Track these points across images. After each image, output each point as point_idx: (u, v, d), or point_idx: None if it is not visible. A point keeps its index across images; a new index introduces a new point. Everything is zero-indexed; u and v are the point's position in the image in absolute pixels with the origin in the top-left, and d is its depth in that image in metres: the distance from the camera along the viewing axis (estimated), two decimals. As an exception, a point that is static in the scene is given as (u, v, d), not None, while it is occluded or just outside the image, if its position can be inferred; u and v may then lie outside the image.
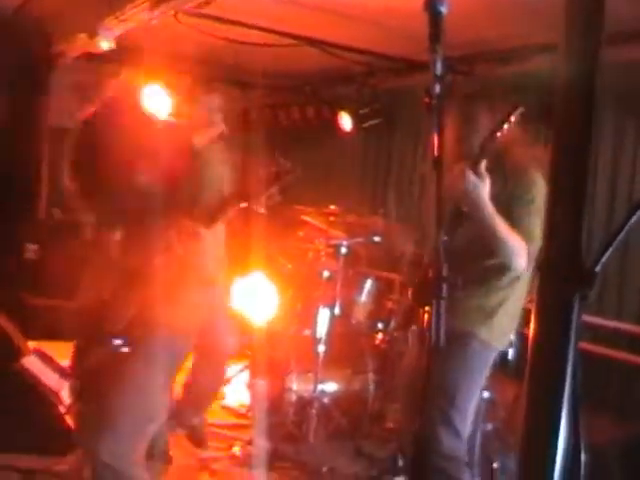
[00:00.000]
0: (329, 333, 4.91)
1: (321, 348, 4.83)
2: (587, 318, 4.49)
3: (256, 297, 4.58)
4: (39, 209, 7.28)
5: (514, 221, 2.84)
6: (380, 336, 5.07)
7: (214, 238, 3.77)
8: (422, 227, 3.20)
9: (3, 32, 6.44)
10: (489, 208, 2.79)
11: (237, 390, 5.47)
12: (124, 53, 5.42)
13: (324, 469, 4.32)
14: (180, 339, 2.84)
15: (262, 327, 4.70)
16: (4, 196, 6.70)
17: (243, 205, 2.59)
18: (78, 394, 2.94)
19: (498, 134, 2.73)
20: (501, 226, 2.81)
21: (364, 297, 5.28)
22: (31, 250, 6.86)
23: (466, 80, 5.57)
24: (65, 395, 3.96)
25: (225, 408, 5.24)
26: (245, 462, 4.34)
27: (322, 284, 5.13)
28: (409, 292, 3.01)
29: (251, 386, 5.14)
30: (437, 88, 1.85)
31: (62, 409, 4.06)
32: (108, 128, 2.63)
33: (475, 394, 3.13)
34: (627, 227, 1.30)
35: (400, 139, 6.92)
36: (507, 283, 3.02)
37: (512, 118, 2.73)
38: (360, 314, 5.26)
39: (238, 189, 2.53)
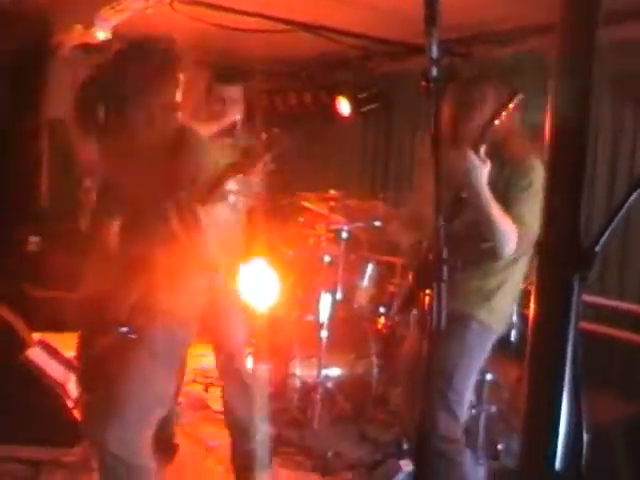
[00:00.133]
0: (331, 318, 4.93)
1: (324, 333, 4.84)
2: (589, 298, 4.50)
3: (258, 284, 4.59)
4: (40, 201, 7.28)
5: (507, 206, 2.85)
6: (382, 320, 5.08)
7: (216, 223, 3.74)
8: (421, 211, 3.20)
9: (1, 23, 6.42)
10: (486, 193, 2.79)
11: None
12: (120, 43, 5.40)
13: (328, 454, 4.34)
14: (182, 326, 2.85)
15: (264, 313, 4.71)
16: (4, 189, 6.69)
17: (239, 176, 2.58)
18: (84, 385, 2.96)
19: (497, 120, 2.73)
20: (495, 212, 2.82)
21: (366, 281, 5.28)
22: (33, 242, 6.86)
23: (464, 62, 5.56)
24: (71, 387, 3.98)
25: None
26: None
27: (323, 269, 5.14)
28: (410, 276, 3.01)
29: (254, 372, 5.15)
30: (434, 71, 1.85)
31: (68, 401, 4.08)
32: (120, 71, 2.68)
33: (473, 377, 3.13)
34: (627, 204, 1.29)
35: (399, 123, 6.91)
36: (504, 266, 3.02)
37: (511, 104, 2.73)
38: (362, 299, 5.27)
39: (232, 161, 2.52)
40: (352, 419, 4.86)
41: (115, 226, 2.96)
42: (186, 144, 2.71)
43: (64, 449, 3.92)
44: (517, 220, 2.86)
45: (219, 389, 5.29)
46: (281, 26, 5.62)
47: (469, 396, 3.19)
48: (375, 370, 4.98)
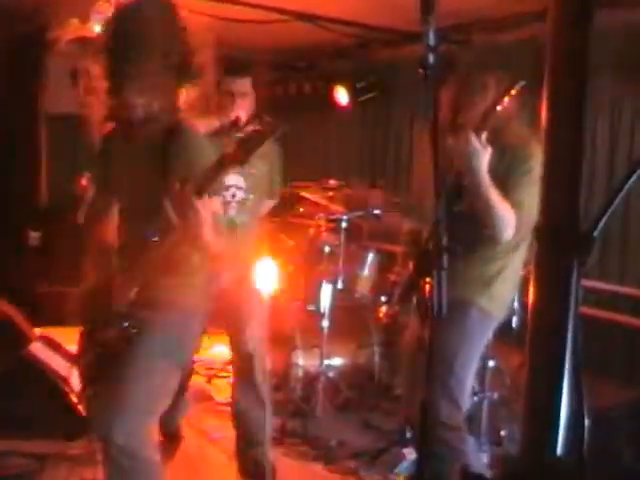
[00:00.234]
0: (333, 308, 4.93)
1: (325, 323, 4.85)
2: (589, 282, 4.50)
3: (259, 275, 4.59)
4: (40, 196, 7.27)
5: (507, 191, 2.85)
6: (384, 309, 5.08)
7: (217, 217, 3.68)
8: (421, 199, 3.19)
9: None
10: (486, 179, 2.79)
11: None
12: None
13: (332, 443, 4.35)
14: (184, 318, 2.85)
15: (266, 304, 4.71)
16: (4, 184, 6.69)
17: (235, 167, 2.55)
18: (87, 379, 2.96)
19: (499, 107, 2.73)
20: (494, 197, 2.82)
21: (366, 270, 5.29)
22: (33, 237, 6.86)
23: (463, 49, 5.54)
24: (74, 381, 3.99)
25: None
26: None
27: (324, 259, 5.14)
28: (410, 264, 3.01)
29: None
30: (431, 59, 1.85)
31: (72, 394, 4.09)
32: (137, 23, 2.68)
33: (474, 364, 3.14)
34: (625, 188, 1.29)
35: (397, 111, 6.89)
36: (504, 252, 3.03)
37: (512, 91, 2.72)
38: (363, 288, 5.27)
39: (227, 152, 2.50)
40: (355, 408, 4.87)
41: (113, 219, 2.96)
42: (179, 142, 2.71)
43: (68, 442, 3.93)
44: (516, 205, 2.86)
45: (222, 381, 5.33)
46: (278, 16, 5.60)
47: (471, 383, 3.19)
48: (377, 359, 4.99)
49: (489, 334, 3.22)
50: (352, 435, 4.54)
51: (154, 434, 2.78)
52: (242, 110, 3.80)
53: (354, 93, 6.84)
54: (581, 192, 1.28)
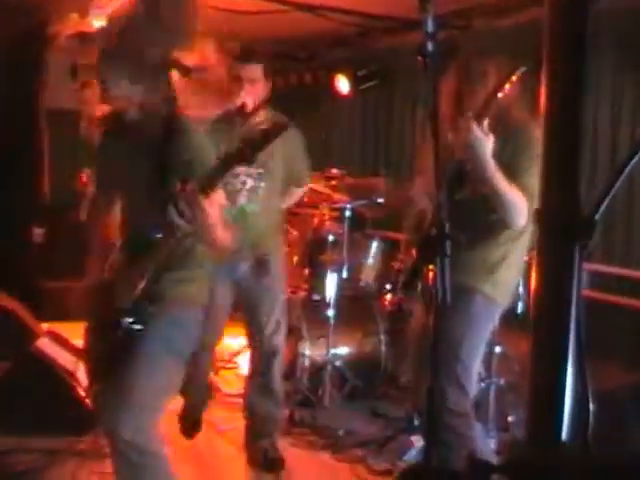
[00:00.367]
0: (338, 297, 4.93)
1: (331, 312, 4.85)
2: (594, 265, 4.48)
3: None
4: (43, 193, 7.28)
5: (513, 177, 2.83)
6: (389, 297, 5.09)
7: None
8: (422, 187, 3.19)
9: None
10: (491, 165, 2.78)
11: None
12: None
13: (340, 432, 4.36)
14: (189, 313, 2.86)
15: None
16: (7, 181, 6.70)
17: (242, 165, 2.53)
18: (94, 373, 2.97)
19: (500, 93, 2.72)
20: (502, 183, 2.80)
21: (371, 259, 5.28)
22: (38, 234, 6.88)
23: (463, 36, 5.53)
24: (81, 375, 4.00)
25: (241, 377, 5.27)
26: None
27: (328, 248, 5.14)
28: (413, 251, 3.01)
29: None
30: (430, 46, 1.84)
31: (79, 389, 4.11)
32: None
33: (480, 350, 3.13)
34: (627, 170, 1.29)
35: (399, 99, 6.88)
36: (507, 238, 3.02)
37: (513, 78, 2.71)
38: (368, 276, 5.27)
39: (233, 150, 2.47)
40: (362, 397, 4.88)
41: (116, 216, 2.97)
42: (179, 140, 2.71)
43: (76, 437, 3.94)
44: (523, 191, 2.84)
45: (230, 373, 5.35)
46: (277, 6, 5.59)
47: (477, 369, 3.19)
48: (383, 347, 4.99)
49: (494, 320, 3.22)
50: (359, 424, 4.55)
51: (160, 428, 2.79)
52: (250, 96, 3.72)
53: (355, 82, 6.82)
54: (582, 175, 1.27)
